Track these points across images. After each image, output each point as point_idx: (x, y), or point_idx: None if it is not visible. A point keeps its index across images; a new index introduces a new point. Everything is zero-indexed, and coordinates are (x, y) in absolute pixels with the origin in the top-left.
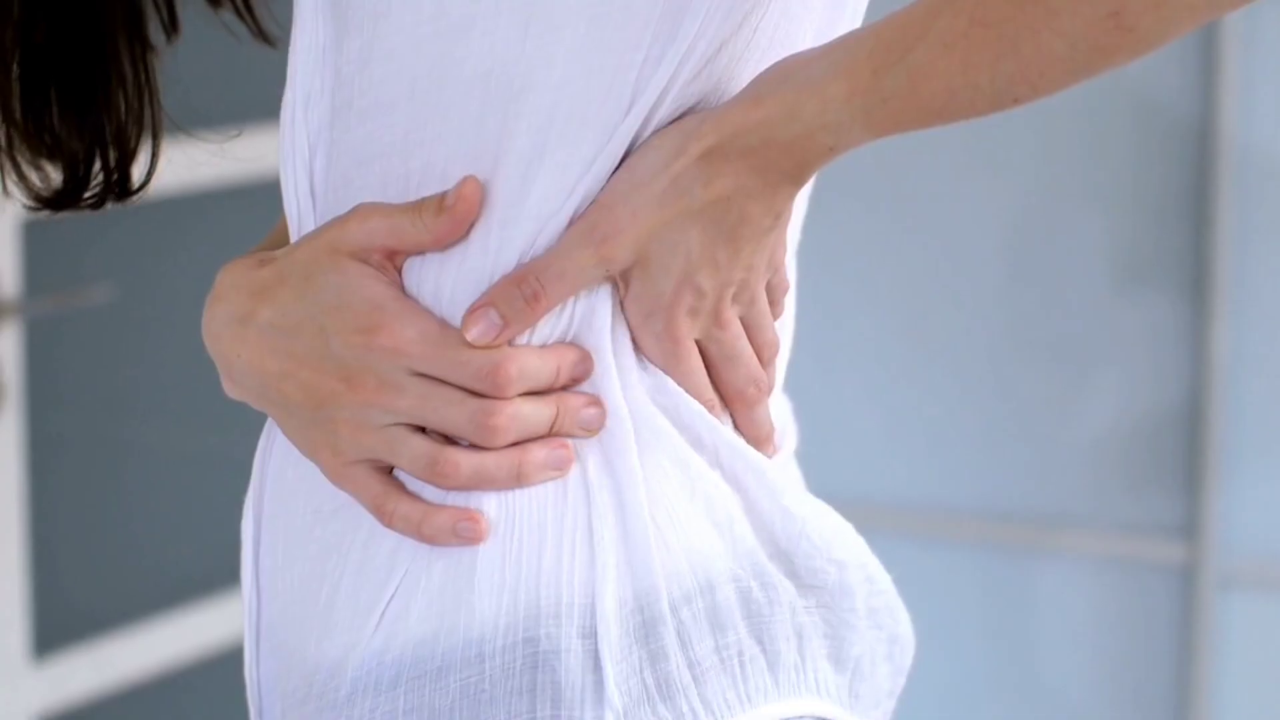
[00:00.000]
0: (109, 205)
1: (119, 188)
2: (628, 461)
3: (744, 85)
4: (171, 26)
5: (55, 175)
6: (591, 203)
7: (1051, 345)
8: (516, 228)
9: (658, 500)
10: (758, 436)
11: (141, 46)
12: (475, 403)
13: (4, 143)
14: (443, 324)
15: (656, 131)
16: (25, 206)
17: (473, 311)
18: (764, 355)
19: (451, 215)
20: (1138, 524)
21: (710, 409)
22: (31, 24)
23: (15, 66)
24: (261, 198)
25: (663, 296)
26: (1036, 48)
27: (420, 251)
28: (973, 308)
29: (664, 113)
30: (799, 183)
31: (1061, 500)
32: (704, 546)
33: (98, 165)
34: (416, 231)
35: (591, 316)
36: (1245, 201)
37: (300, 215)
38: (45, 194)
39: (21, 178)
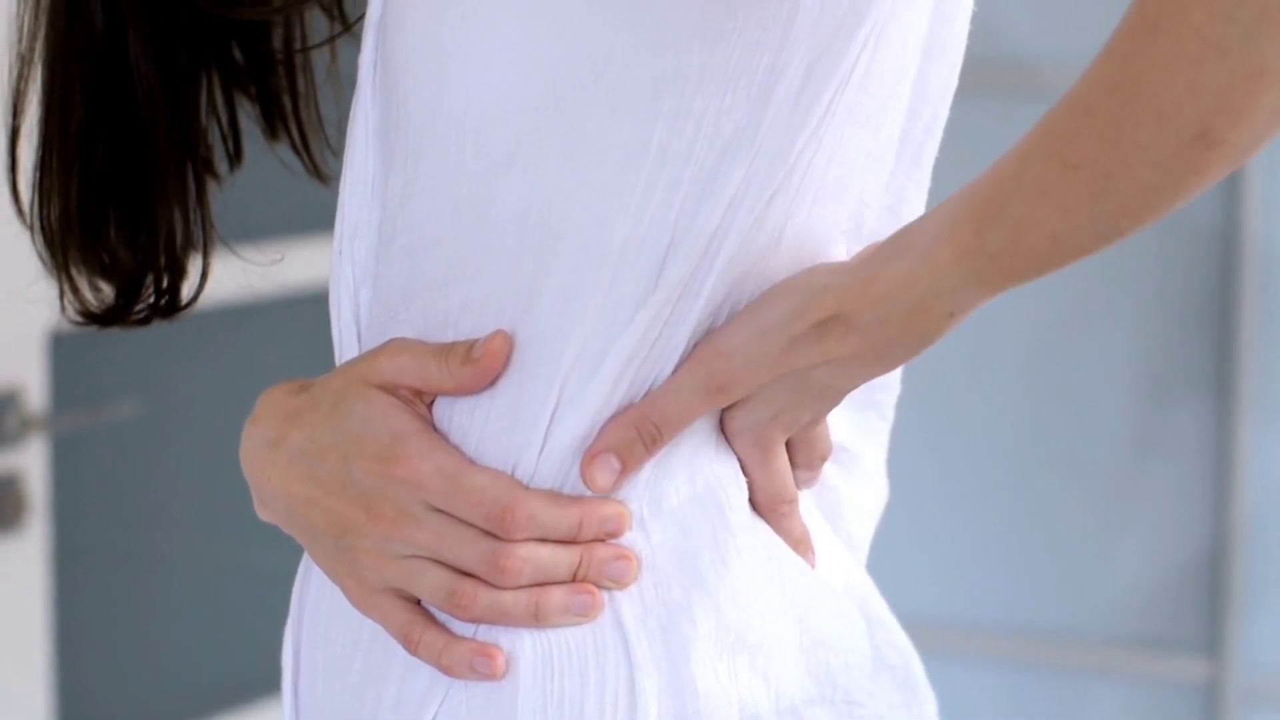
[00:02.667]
0: (154, 322)
1: (168, 305)
2: (672, 615)
3: (810, 236)
4: (236, 158)
5: (108, 291)
6: (706, 344)
7: (1076, 461)
8: (553, 368)
9: (702, 654)
10: (798, 543)
11: (198, 172)
12: (488, 543)
13: (61, 259)
14: (462, 460)
15: (775, 284)
16: (74, 322)
17: (593, 459)
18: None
19: (476, 368)
20: (1161, 641)
21: (791, 507)
22: (90, 146)
23: (74, 186)
24: (288, 313)
25: (760, 424)
26: (1131, 182)
27: (446, 395)
28: (997, 420)
29: (726, 259)
30: (916, 354)
31: (1085, 617)
32: (750, 696)
33: (149, 282)
34: (442, 376)
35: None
36: (1271, 311)
37: (344, 344)
38: (96, 310)
39: (76, 293)
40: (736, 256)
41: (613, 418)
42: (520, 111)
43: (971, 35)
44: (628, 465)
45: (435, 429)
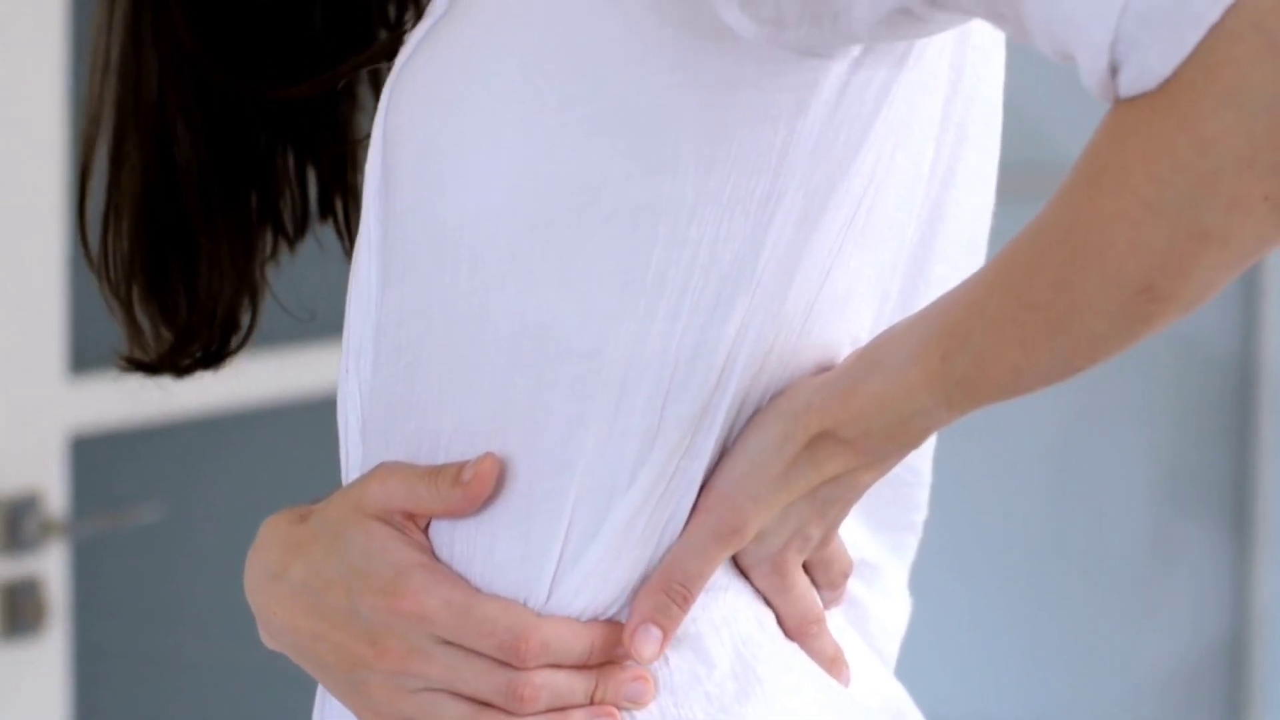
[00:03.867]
0: (197, 372)
1: (215, 354)
2: None
3: (823, 353)
4: (299, 234)
5: (168, 337)
6: (708, 490)
7: (1094, 564)
8: (560, 500)
9: None
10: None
11: (254, 235)
12: (503, 673)
13: (126, 302)
14: (469, 590)
15: (759, 411)
16: (121, 368)
17: (635, 633)
18: (846, 574)
19: (466, 491)
20: None
21: (820, 627)
22: (151, 203)
23: (137, 237)
24: (308, 417)
25: (773, 551)
26: (1082, 326)
27: (437, 517)
28: (1016, 521)
29: (736, 391)
30: (908, 451)
31: (1104, 715)
32: None
33: (203, 331)
34: (432, 499)
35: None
36: None
37: (350, 462)
38: (150, 358)
39: (139, 338)
40: (748, 386)
41: (641, 588)
42: (514, 230)
43: (1013, 139)
44: (667, 629)
45: (437, 559)
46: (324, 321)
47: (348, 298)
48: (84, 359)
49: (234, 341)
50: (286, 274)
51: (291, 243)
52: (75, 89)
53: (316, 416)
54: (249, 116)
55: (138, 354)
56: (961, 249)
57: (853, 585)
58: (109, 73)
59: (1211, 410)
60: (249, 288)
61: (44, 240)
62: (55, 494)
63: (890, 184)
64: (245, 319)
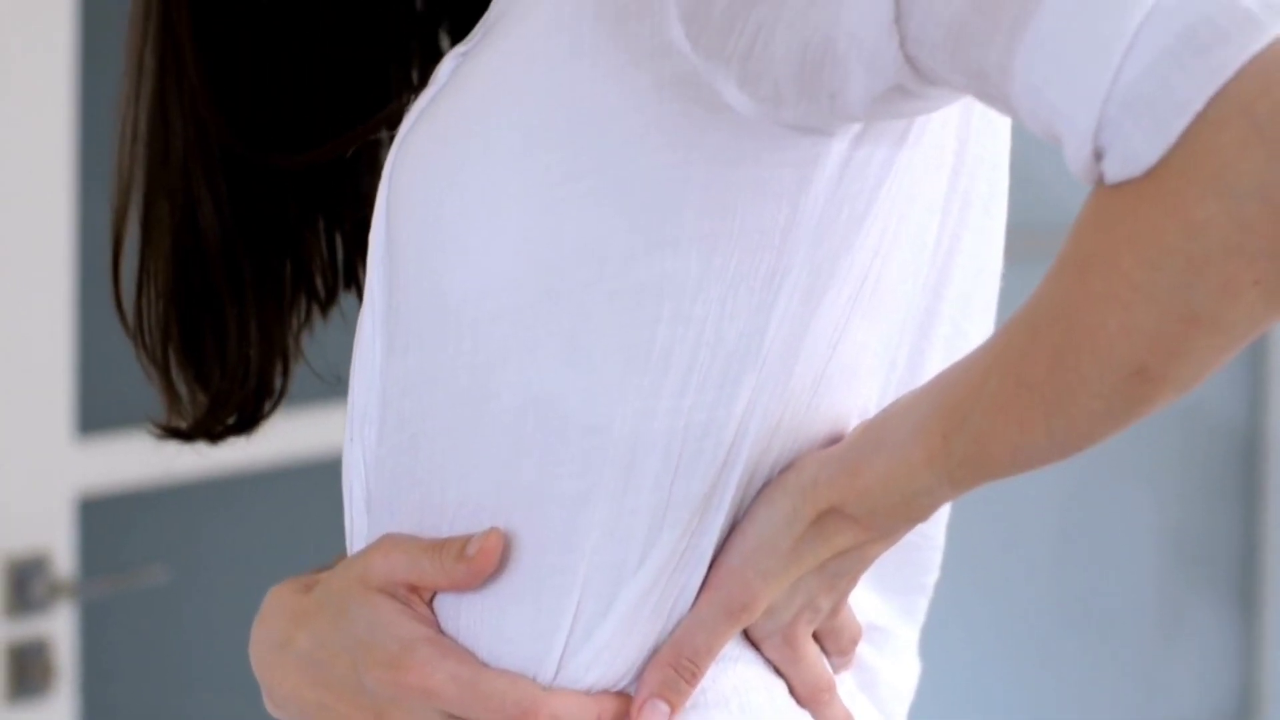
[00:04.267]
0: (229, 438)
1: (249, 419)
2: None
3: (833, 425)
4: (328, 300)
5: (201, 402)
6: (717, 566)
7: (1100, 631)
8: (569, 577)
9: None
10: None
11: (286, 303)
12: None
13: (163, 367)
14: (475, 664)
15: (768, 485)
16: (155, 435)
17: (642, 708)
18: (855, 641)
19: (470, 565)
20: None
21: (831, 694)
22: (182, 270)
23: (170, 303)
24: (317, 478)
25: (783, 624)
26: (1078, 407)
27: (440, 591)
28: (1022, 589)
29: (745, 469)
30: (916, 524)
31: None
32: None
33: (237, 395)
34: (436, 573)
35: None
36: None
37: (355, 531)
38: (184, 424)
39: (176, 403)
40: (757, 461)
41: (649, 663)
42: (518, 305)
43: (1020, 200)
44: (675, 704)
45: (442, 632)
46: (326, 386)
47: (352, 364)
48: (92, 420)
49: (267, 405)
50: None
51: (324, 309)
52: (83, 147)
53: (325, 477)
54: (276, 185)
55: (175, 421)
56: (966, 313)
57: (863, 649)
58: (137, 142)
59: (1218, 479)
60: (281, 353)
61: (52, 301)
62: (63, 555)
63: (895, 257)
64: (278, 382)
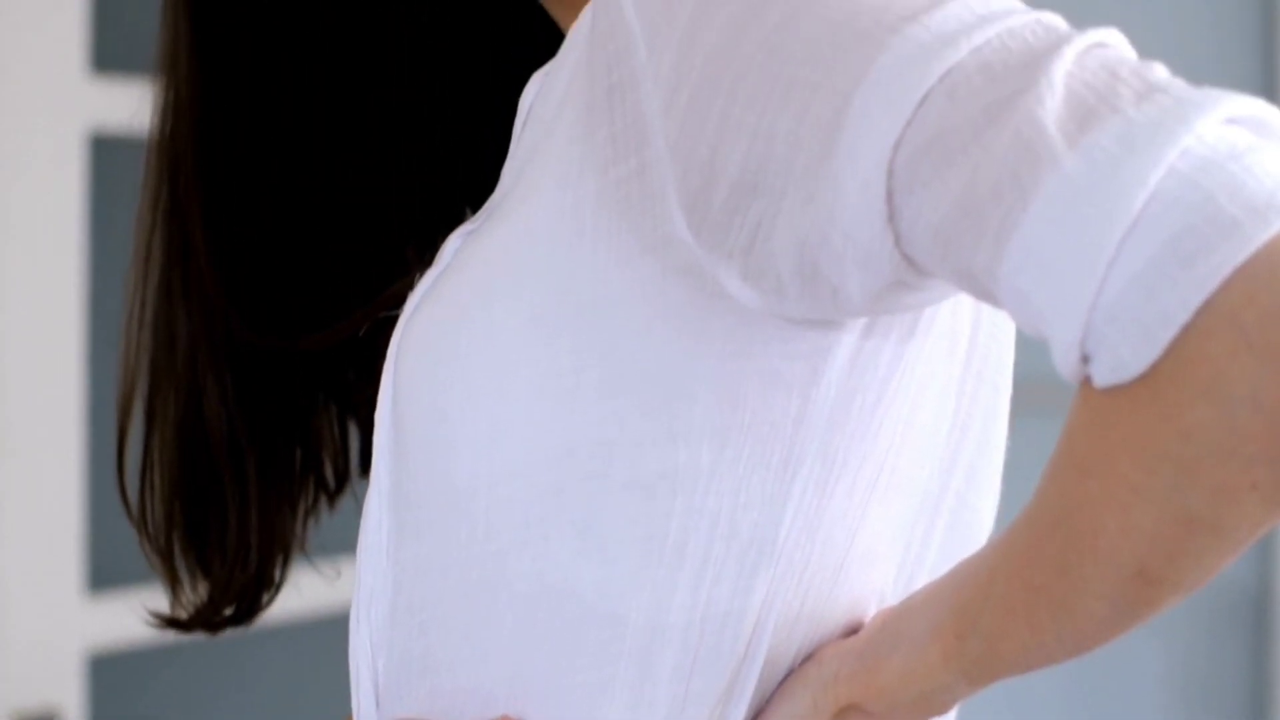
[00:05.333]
0: (227, 629)
1: (247, 611)
2: None
3: (851, 608)
4: (338, 489)
5: (202, 592)
6: None
7: None
8: None
9: None
10: None
11: (294, 493)
12: None
13: (167, 557)
14: None
15: (788, 676)
16: (156, 626)
17: None
18: None
19: None
20: None
21: None
22: (185, 461)
23: (173, 494)
24: (327, 636)
25: None
26: (1083, 610)
27: None
28: None
29: (764, 661)
30: (934, 719)
31: None
32: None
33: (237, 587)
34: None
35: None
36: None
37: (362, 713)
38: (183, 616)
39: (178, 592)
40: (777, 652)
41: None
42: (528, 495)
43: (1028, 353)
44: None
45: None
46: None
47: (359, 546)
48: (102, 577)
49: (266, 597)
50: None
51: (333, 499)
52: (93, 305)
53: (337, 635)
54: (285, 371)
55: (178, 612)
56: (972, 485)
57: None
58: (143, 329)
59: (1227, 630)
60: (283, 545)
61: (63, 458)
62: (72, 712)
63: (910, 443)
64: (278, 574)
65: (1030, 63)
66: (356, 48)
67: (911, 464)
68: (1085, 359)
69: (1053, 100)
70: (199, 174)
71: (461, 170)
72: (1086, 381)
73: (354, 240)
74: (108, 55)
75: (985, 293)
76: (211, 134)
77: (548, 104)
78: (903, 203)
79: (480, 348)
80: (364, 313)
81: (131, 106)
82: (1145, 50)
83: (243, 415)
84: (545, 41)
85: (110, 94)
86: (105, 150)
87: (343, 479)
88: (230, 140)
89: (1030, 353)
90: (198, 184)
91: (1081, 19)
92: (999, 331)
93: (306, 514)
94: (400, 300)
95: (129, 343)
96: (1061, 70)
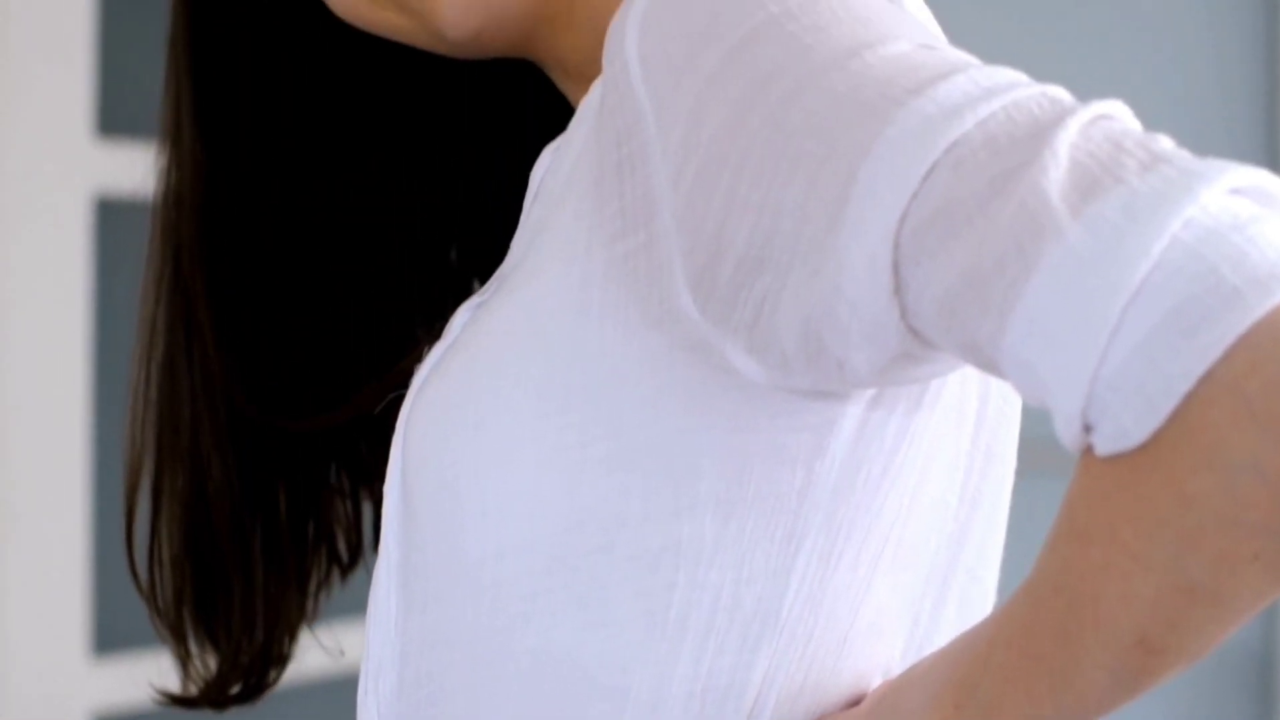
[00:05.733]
0: (233, 707)
1: (255, 687)
2: None
3: (855, 680)
4: (351, 563)
5: (210, 667)
6: None
7: None
8: None
9: None
10: None
11: (303, 568)
12: None
13: (179, 634)
14: None
15: None
16: (161, 704)
17: None
18: None
19: None
20: None
21: None
22: (192, 539)
23: (181, 571)
24: (331, 697)
25: None
26: (1083, 679)
27: None
28: None
29: (775, 718)
30: None
31: None
32: None
33: (246, 663)
34: None
35: None
36: None
37: None
38: (192, 689)
39: (189, 668)
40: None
41: None
42: (534, 568)
43: (1033, 412)
44: None
45: None
46: (358, 598)
47: (367, 616)
48: (107, 640)
49: (273, 674)
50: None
51: (345, 573)
52: (100, 371)
53: (344, 694)
54: (294, 448)
55: (187, 686)
56: (982, 559)
57: None
58: (149, 404)
59: (1231, 697)
60: (291, 620)
61: (69, 520)
62: None
63: (916, 516)
64: (287, 649)
65: (1035, 135)
66: (365, 122)
67: (918, 537)
68: (1088, 428)
69: (1057, 171)
70: (202, 252)
71: (469, 243)
72: (1088, 450)
73: (362, 318)
74: (114, 119)
75: (990, 364)
76: (215, 212)
77: (557, 178)
78: (909, 275)
79: (488, 421)
80: (374, 391)
81: (137, 170)
82: (1152, 75)
83: (248, 493)
84: (554, 115)
85: (116, 158)
86: (111, 213)
87: (356, 552)
88: (235, 218)
89: (1035, 410)
90: (201, 262)
91: (1087, 40)
92: (1007, 406)
93: (319, 587)
94: (409, 376)
95: (135, 417)
96: (1066, 142)
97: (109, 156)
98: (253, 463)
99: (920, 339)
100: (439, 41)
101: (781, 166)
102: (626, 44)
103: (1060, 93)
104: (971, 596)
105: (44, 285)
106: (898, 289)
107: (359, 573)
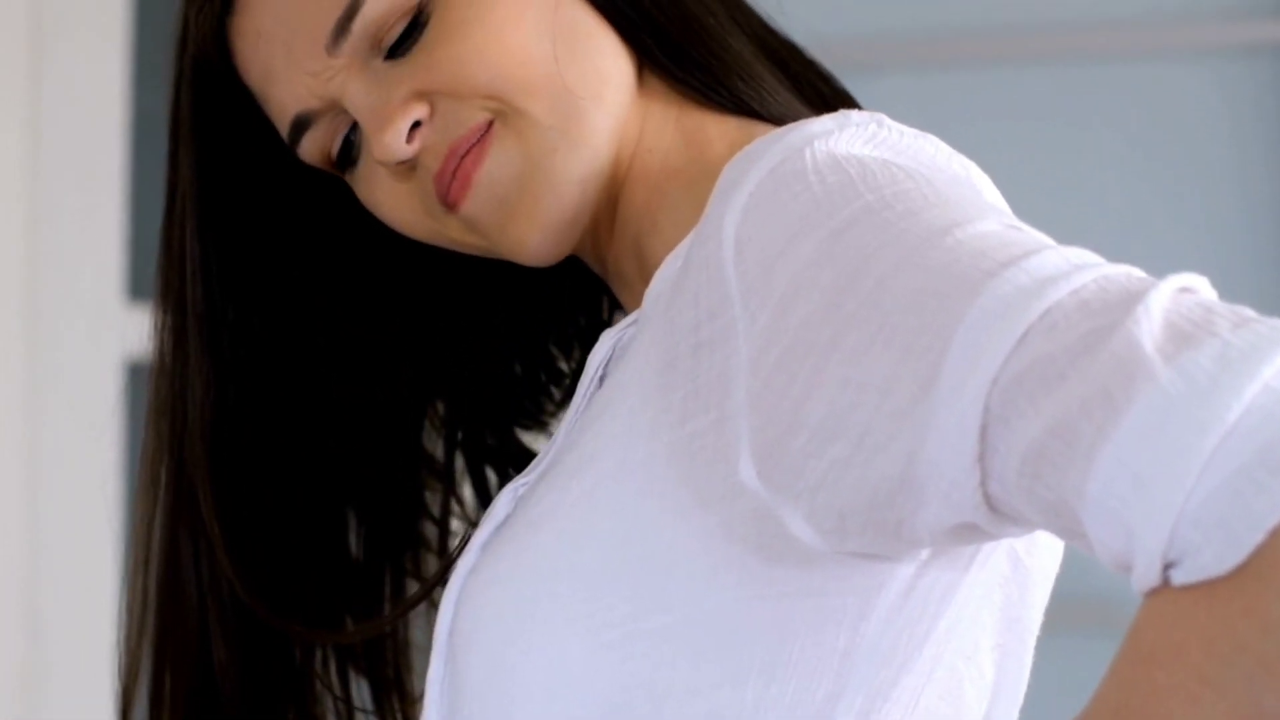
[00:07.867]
0: None
1: None
2: None
3: None
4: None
5: None
6: None
7: None
8: None
9: None
10: None
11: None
12: None
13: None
14: None
15: None
16: None
17: None
18: None
19: None
20: None
21: None
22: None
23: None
24: None
25: None
26: None
27: None
28: None
29: None
30: None
31: None
32: None
33: None
34: None
35: None
36: None
37: None
38: None
39: None
40: None
41: None
42: None
43: (1064, 571)
44: None
45: None
46: None
47: None
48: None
49: None
50: None
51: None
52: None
53: None
54: (287, 645)
55: None
56: (1011, 706)
57: None
58: (147, 612)
59: None
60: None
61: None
62: None
63: (956, 670)
64: None
65: (1127, 299)
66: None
67: (956, 690)
68: (1168, 565)
69: (1149, 325)
70: (211, 473)
71: (487, 439)
72: (1152, 590)
73: (377, 502)
74: (145, 283)
75: (1070, 523)
76: (226, 429)
77: (621, 364)
78: (996, 436)
79: (542, 608)
80: (398, 608)
81: None
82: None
83: (253, 686)
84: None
85: (147, 322)
86: (143, 377)
87: None
88: (244, 435)
89: (1069, 569)
90: (211, 482)
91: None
92: (1042, 563)
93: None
94: (432, 593)
95: (130, 631)
96: (1159, 303)
97: (141, 321)
98: (263, 665)
99: (994, 508)
100: (508, 256)
101: (877, 342)
102: (725, 225)
103: (1142, 273)
104: None
105: (76, 448)
106: (983, 454)
107: None
